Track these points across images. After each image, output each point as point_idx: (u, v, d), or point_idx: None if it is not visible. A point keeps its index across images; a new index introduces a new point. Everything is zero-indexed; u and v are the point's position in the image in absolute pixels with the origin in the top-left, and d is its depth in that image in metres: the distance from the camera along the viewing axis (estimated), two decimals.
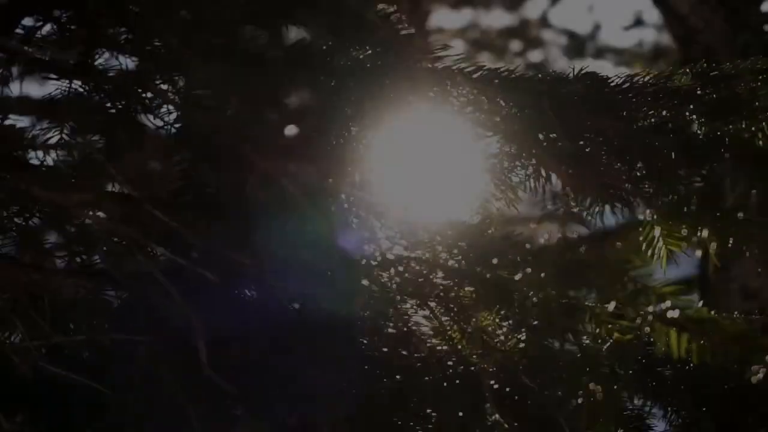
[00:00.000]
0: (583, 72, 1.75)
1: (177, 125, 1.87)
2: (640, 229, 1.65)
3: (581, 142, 1.63)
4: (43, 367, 1.93)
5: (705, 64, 1.71)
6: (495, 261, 1.64)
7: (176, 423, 1.94)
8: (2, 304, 1.94)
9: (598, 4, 11.17)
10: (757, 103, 1.59)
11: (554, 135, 1.61)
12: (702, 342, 1.41)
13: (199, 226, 1.85)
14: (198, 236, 1.84)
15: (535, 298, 1.63)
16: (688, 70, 1.70)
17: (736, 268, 3.66)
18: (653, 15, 7.94)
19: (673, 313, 1.44)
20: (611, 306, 1.53)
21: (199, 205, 1.90)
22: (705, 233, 1.53)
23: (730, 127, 1.58)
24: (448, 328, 1.86)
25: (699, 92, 1.67)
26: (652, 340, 1.51)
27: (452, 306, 1.83)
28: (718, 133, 1.55)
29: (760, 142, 1.54)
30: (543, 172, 1.62)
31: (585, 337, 1.64)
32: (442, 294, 1.81)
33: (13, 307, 1.93)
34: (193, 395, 1.89)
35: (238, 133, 1.80)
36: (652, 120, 1.63)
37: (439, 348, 1.89)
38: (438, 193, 1.80)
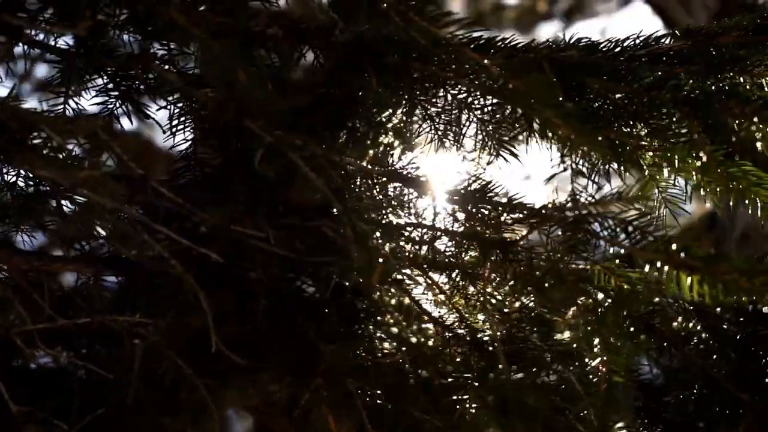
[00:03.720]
0: (575, 38, 1.80)
1: (180, 104, 1.89)
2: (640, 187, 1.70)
3: (583, 102, 1.67)
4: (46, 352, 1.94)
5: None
6: (501, 219, 1.68)
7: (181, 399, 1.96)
8: (4, 290, 1.93)
9: (610, 28, 11.30)
10: (747, 60, 1.65)
11: (557, 96, 1.65)
12: (713, 281, 1.46)
13: (204, 204, 1.87)
14: (204, 214, 1.85)
15: (543, 255, 1.67)
16: (676, 31, 1.76)
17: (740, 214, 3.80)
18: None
19: (682, 255, 1.49)
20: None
21: (203, 183, 1.92)
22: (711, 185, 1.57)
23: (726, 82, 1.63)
24: (452, 295, 1.89)
25: (687, 52, 1.72)
26: (662, 287, 1.55)
27: (456, 273, 1.86)
28: (719, 88, 1.60)
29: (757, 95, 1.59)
30: (550, 133, 1.65)
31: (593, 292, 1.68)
32: (446, 260, 1.84)
33: (15, 293, 1.93)
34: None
35: (242, 109, 1.82)
36: (647, 80, 1.68)
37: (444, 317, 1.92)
38: (441, 160, 1.84)
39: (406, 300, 1.96)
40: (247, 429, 4.10)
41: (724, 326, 1.82)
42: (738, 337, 1.80)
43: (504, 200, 1.74)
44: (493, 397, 1.71)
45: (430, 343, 1.96)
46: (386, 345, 1.99)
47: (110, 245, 2.03)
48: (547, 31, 8.04)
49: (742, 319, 1.82)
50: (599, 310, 1.64)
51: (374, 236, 1.76)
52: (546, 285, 1.71)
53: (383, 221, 1.80)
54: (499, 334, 1.83)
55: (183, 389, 1.99)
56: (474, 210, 1.75)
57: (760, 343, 1.79)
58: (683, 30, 1.77)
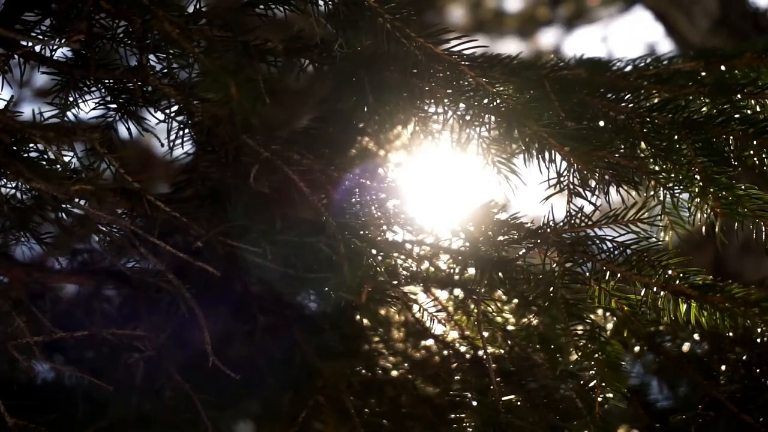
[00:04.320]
0: (584, 57, 1.77)
1: (178, 117, 1.87)
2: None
3: (585, 123, 1.63)
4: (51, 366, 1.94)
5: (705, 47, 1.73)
6: (499, 239, 1.65)
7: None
8: (4, 303, 1.93)
9: (611, 35, 11.31)
10: (759, 82, 1.60)
11: (557, 116, 1.61)
12: (709, 309, 1.42)
13: (201, 218, 1.85)
14: (200, 228, 1.83)
15: (540, 275, 1.64)
16: (690, 51, 1.72)
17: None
18: (666, 46, 7.93)
19: (678, 282, 1.45)
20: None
21: (201, 197, 1.91)
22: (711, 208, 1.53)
23: (732, 104, 1.59)
24: (453, 312, 1.86)
25: (700, 72, 1.68)
26: (660, 311, 1.51)
27: (458, 290, 1.83)
28: (721, 110, 1.56)
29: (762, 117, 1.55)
30: (547, 153, 1.61)
31: (592, 313, 1.64)
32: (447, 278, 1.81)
33: (14, 305, 1.92)
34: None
35: (239, 124, 1.80)
36: (655, 100, 1.64)
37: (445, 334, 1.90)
38: (442, 179, 1.80)
39: (408, 316, 1.93)
40: None
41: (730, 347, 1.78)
42: (744, 359, 1.76)
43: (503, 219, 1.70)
44: (486, 415, 1.67)
45: (430, 359, 1.94)
46: (385, 361, 1.96)
47: (107, 258, 2.02)
48: (548, 38, 8.01)
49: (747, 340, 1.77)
50: (598, 334, 1.60)
51: (368, 253, 1.73)
52: (542, 305, 1.68)
53: (380, 238, 1.77)
54: (501, 351, 1.80)
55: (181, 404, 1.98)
56: (474, 230, 1.72)
57: (765, 365, 1.74)
58: (697, 50, 1.73)
